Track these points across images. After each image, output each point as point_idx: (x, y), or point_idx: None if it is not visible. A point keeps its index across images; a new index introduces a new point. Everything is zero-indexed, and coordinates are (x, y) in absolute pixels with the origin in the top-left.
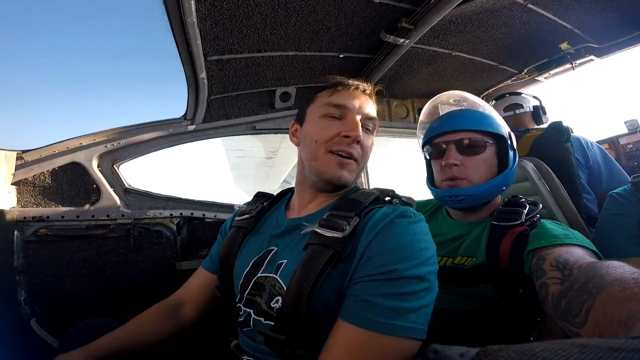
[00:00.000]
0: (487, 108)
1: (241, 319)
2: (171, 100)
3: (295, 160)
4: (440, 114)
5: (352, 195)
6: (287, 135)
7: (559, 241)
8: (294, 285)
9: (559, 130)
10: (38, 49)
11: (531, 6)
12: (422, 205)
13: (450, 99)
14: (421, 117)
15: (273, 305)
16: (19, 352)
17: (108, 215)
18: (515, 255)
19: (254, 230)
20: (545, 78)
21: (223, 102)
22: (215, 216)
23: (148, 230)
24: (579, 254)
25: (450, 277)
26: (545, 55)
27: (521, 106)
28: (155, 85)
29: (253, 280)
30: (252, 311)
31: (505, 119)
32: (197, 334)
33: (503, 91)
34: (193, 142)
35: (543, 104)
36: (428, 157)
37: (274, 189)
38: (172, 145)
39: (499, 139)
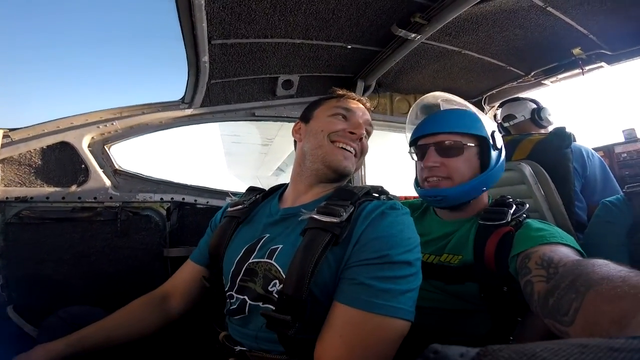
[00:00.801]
0: (470, 109)
1: (234, 307)
2: (169, 83)
3: (292, 148)
4: (425, 116)
5: (347, 188)
6: (286, 124)
7: (544, 240)
8: (296, 268)
9: (560, 136)
10: (36, 27)
11: (551, 9)
12: (414, 205)
13: (435, 101)
14: (408, 118)
15: (271, 289)
16: None
17: (95, 198)
18: (500, 255)
19: (247, 219)
20: (552, 82)
21: (223, 87)
22: (207, 202)
23: (137, 215)
24: (563, 252)
25: (437, 274)
26: (555, 59)
27: (514, 117)
28: (154, 66)
29: (245, 267)
30: (246, 297)
31: (508, 128)
32: (184, 326)
33: (506, 92)
34: (190, 126)
35: (544, 106)
36: (415, 158)
37: (268, 175)
38: (167, 129)
39: (481, 139)
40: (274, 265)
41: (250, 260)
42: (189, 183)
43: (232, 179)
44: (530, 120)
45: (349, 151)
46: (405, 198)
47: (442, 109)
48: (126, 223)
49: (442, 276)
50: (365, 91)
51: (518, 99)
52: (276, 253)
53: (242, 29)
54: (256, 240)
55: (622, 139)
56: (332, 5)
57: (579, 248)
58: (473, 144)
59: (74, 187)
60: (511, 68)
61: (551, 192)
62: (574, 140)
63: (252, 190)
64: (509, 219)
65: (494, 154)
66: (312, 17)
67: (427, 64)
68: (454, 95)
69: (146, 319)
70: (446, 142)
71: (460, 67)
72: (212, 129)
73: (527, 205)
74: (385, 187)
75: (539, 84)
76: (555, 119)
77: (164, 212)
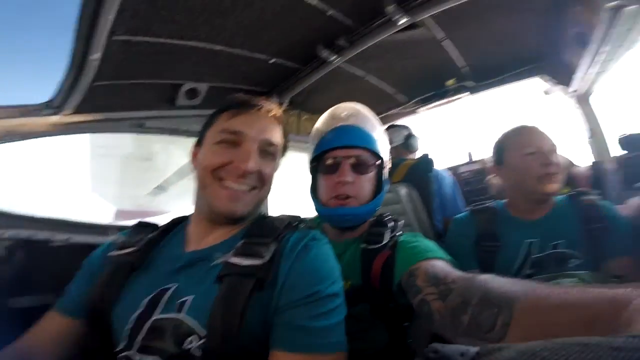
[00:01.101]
0: (378, 129)
1: None
2: (32, 82)
3: (179, 163)
4: (336, 126)
5: (266, 221)
6: (179, 137)
7: (422, 257)
8: (218, 322)
9: (426, 162)
10: None
11: (444, 43)
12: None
13: (345, 113)
14: (317, 125)
15: (187, 347)
16: None
17: None
18: (384, 279)
19: (144, 266)
20: (425, 110)
21: (108, 91)
22: (68, 239)
23: None
24: (442, 267)
25: None
26: (432, 89)
27: (392, 142)
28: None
29: (149, 323)
30: (158, 357)
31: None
32: None
33: (389, 118)
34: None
35: (414, 134)
36: (318, 170)
37: (143, 194)
38: (19, 140)
39: (382, 161)
40: (186, 319)
41: (155, 317)
42: (40, 215)
43: (101, 203)
44: (403, 146)
45: (238, 191)
46: None
47: (356, 122)
48: None
49: None
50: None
51: (395, 125)
52: (186, 306)
53: (157, 26)
54: (159, 292)
55: (466, 160)
56: (268, 16)
57: (449, 258)
58: (378, 164)
59: None
60: (397, 95)
61: (420, 210)
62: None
63: (142, 226)
64: (387, 240)
65: (385, 176)
66: (242, 25)
67: (335, 86)
68: (364, 110)
69: None
70: (361, 157)
71: (362, 91)
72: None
73: (401, 222)
74: (285, 211)
75: (412, 111)
76: (422, 145)
77: (4, 253)
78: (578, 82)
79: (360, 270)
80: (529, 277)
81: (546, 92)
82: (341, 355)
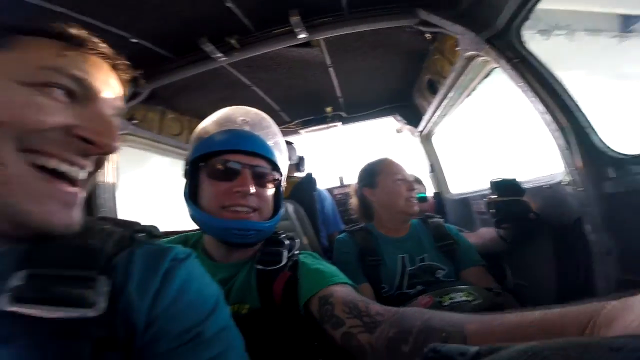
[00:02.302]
0: (281, 142)
1: None
2: None
3: None
4: (233, 128)
5: (76, 241)
6: None
7: (329, 282)
8: None
9: (310, 181)
10: None
11: (331, 69)
12: (178, 242)
13: (249, 118)
14: (205, 124)
15: None
16: None
17: None
18: (287, 300)
19: None
20: (305, 132)
21: None
22: None
23: None
24: (356, 297)
25: None
26: (313, 113)
27: (289, 158)
28: None
29: None
30: None
31: None
32: None
33: None
34: None
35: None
36: (201, 173)
37: None
38: None
39: (281, 176)
40: None
41: None
42: None
43: None
44: (295, 165)
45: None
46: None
47: (259, 130)
48: None
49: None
50: (133, 97)
51: (289, 142)
52: None
53: None
54: None
55: (339, 184)
56: None
57: (350, 282)
58: (278, 179)
59: None
60: (281, 113)
61: (307, 226)
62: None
63: None
64: (286, 260)
65: (281, 193)
66: None
67: (217, 88)
68: (272, 121)
69: None
70: (265, 168)
71: (243, 100)
72: None
73: (298, 241)
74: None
75: (295, 131)
76: (307, 165)
77: None
78: (424, 123)
79: (258, 293)
80: (410, 287)
81: (398, 131)
82: None
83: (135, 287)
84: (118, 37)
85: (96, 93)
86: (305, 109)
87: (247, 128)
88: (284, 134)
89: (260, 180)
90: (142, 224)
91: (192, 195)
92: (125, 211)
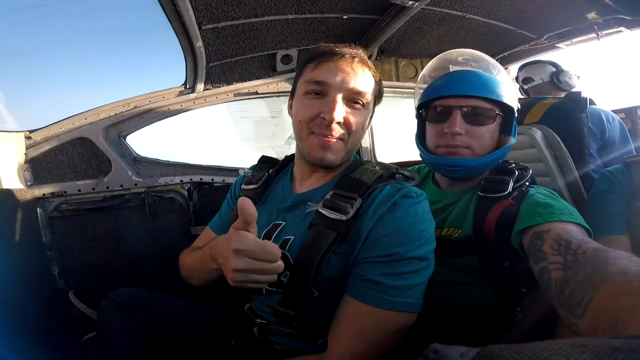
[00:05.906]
0: (502, 73)
1: None
2: (169, 71)
3: None
4: (449, 72)
5: (355, 174)
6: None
7: (555, 218)
8: (300, 265)
9: (575, 101)
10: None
11: None
12: (416, 170)
13: (462, 57)
14: (425, 71)
15: (283, 278)
16: (61, 325)
17: (122, 185)
18: (501, 230)
19: (262, 200)
20: (566, 45)
21: (222, 69)
22: (223, 180)
23: (161, 198)
24: (578, 235)
25: (438, 248)
26: (568, 24)
27: (532, 80)
28: (151, 57)
29: None
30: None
31: (528, 90)
32: (213, 293)
33: (519, 54)
34: (196, 110)
35: (565, 70)
36: (424, 117)
37: (280, 144)
38: (174, 114)
39: (508, 110)
40: (288, 257)
41: None
42: (204, 164)
43: (246, 154)
44: (550, 83)
45: (328, 140)
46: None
47: (474, 68)
48: (153, 207)
49: (443, 249)
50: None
51: (538, 61)
52: (289, 244)
53: (231, 11)
54: (272, 227)
55: None
56: None
57: (589, 227)
58: (502, 114)
59: (100, 178)
60: (522, 31)
61: (563, 155)
62: (593, 104)
63: (264, 162)
64: (511, 190)
65: (514, 127)
66: None
67: (430, 29)
68: (483, 54)
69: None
70: (477, 108)
71: (467, 30)
72: (219, 110)
73: (531, 171)
74: (392, 156)
75: (552, 47)
76: (577, 83)
77: (185, 193)
78: None
79: (473, 219)
80: None
81: None
82: (409, 316)
83: (372, 210)
84: (334, 19)
85: (330, 87)
86: (552, 21)
87: (468, 65)
88: (536, 52)
89: (474, 119)
90: (397, 168)
91: (421, 136)
92: (381, 149)
